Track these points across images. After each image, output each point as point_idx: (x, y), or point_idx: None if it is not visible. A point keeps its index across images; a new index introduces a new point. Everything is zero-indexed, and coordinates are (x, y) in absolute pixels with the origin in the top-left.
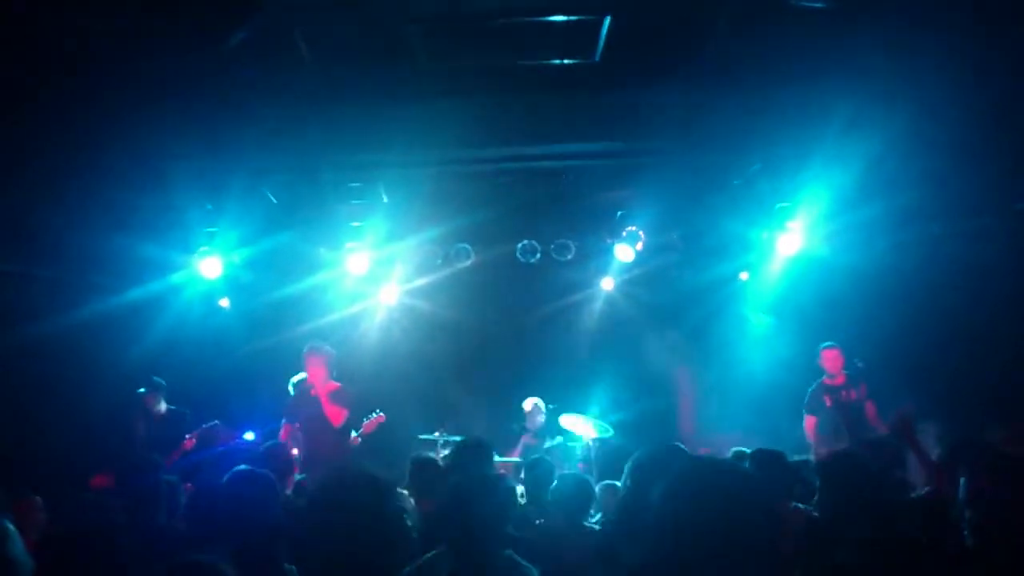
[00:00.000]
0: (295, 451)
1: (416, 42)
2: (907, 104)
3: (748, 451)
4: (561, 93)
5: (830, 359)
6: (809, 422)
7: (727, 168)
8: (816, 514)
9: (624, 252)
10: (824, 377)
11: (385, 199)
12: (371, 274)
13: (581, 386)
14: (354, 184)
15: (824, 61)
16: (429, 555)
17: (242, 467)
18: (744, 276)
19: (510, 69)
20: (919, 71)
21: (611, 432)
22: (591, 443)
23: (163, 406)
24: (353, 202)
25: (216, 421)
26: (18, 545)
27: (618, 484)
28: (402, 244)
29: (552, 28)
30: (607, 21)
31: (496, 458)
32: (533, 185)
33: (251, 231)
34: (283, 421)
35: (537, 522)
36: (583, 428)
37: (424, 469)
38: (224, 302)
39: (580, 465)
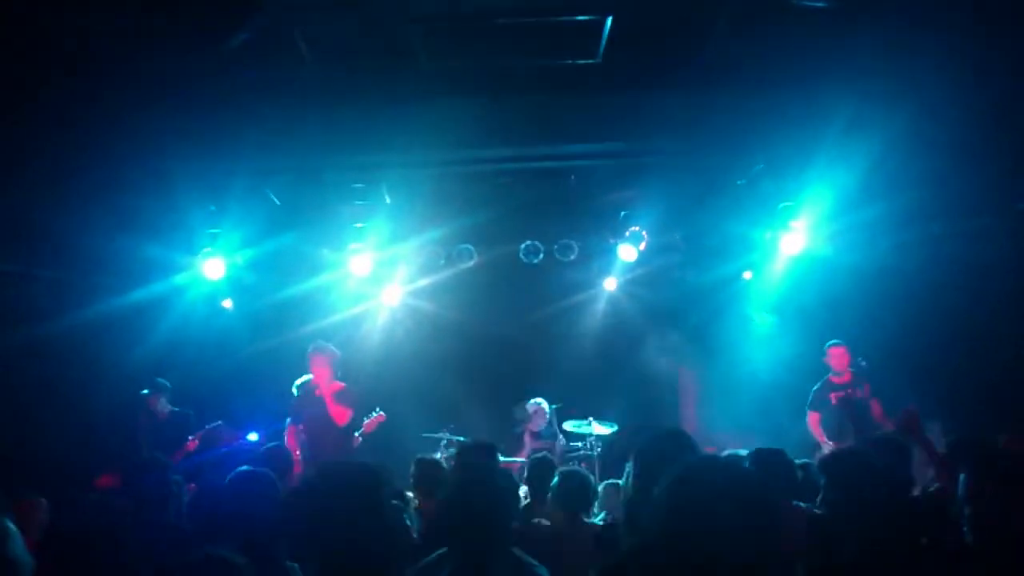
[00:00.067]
0: (298, 452)
1: (417, 42)
2: (908, 104)
3: (744, 452)
4: (564, 93)
5: (836, 356)
6: (813, 418)
7: (730, 168)
8: (819, 512)
9: (627, 252)
10: (830, 375)
11: (388, 200)
12: (374, 275)
13: (584, 386)
14: (357, 185)
15: (825, 61)
16: (433, 556)
17: (244, 467)
18: (747, 276)
19: (512, 69)
20: (920, 71)
21: (615, 427)
22: (594, 442)
23: (167, 407)
24: (356, 203)
25: (219, 422)
26: (18, 544)
27: (620, 483)
28: (405, 245)
29: (554, 28)
30: (609, 21)
31: (500, 458)
32: (536, 185)
33: (254, 232)
34: (288, 422)
35: (534, 520)
36: (586, 430)
37: (428, 469)
38: (227, 303)
39: (583, 464)
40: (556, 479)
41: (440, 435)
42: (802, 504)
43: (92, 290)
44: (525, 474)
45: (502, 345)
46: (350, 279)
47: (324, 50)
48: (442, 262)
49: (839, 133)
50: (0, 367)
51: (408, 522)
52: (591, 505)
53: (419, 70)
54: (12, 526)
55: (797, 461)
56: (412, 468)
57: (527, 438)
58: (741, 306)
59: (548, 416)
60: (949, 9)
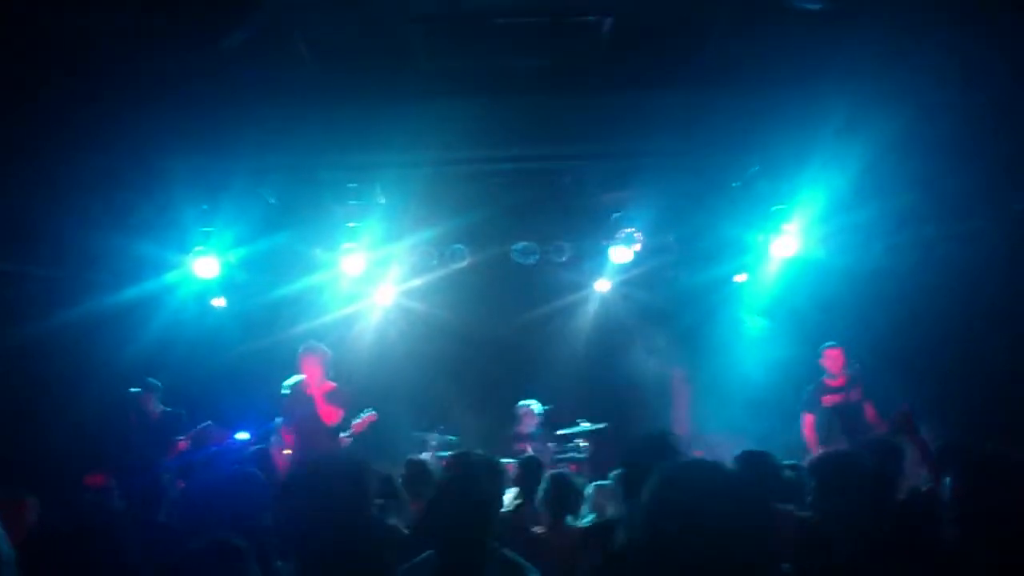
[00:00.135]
0: (287, 451)
1: (415, 42)
2: (902, 106)
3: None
4: (558, 94)
5: (832, 358)
6: (807, 420)
7: (725, 170)
8: (808, 515)
9: (621, 253)
10: (824, 377)
11: (382, 200)
12: (367, 275)
13: (576, 387)
14: (351, 185)
15: (821, 63)
16: (423, 556)
17: (233, 467)
18: (740, 278)
19: (508, 69)
20: (914, 73)
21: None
22: (583, 445)
23: (158, 407)
24: (350, 203)
25: (209, 423)
26: (1, 538)
27: (608, 484)
28: (398, 245)
29: (551, 28)
30: (606, 22)
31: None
32: (530, 186)
33: (247, 231)
34: (280, 422)
35: (529, 528)
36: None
37: (416, 470)
38: (218, 301)
39: (572, 466)
40: (544, 483)
41: (430, 435)
42: (790, 507)
43: (84, 288)
44: (515, 475)
45: (494, 346)
46: (343, 279)
47: (321, 49)
48: (435, 262)
49: (834, 135)
50: None
51: (394, 520)
52: (577, 508)
53: (415, 70)
54: None
55: (786, 462)
56: (402, 470)
57: (517, 440)
58: (734, 308)
59: (538, 418)
60: (944, 11)
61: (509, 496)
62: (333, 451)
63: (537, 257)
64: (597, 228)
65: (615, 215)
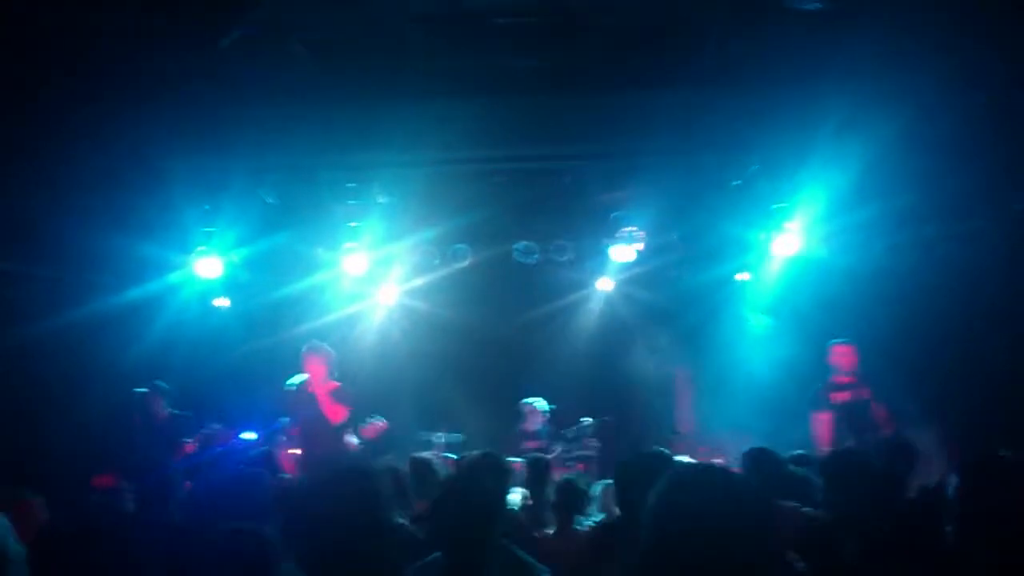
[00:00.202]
0: (293, 451)
1: (415, 42)
2: (903, 106)
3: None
4: (559, 94)
5: (842, 355)
6: (823, 419)
7: (725, 169)
8: (818, 513)
9: (622, 252)
10: (834, 374)
11: (383, 199)
12: (369, 274)
13: (579, 386)
14: (351, 184)
15: (821, 63)
16: (431, 556)
17: (238, 467)
18: (743, 277)
19: (508, 69)
20: (914, 73)
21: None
22: (592, 444)
23: (165, 410)
24: (350, 202)
25: (216, 426)
26: (11, 537)
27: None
28: (400, 244)
29: (551, 28)
30: (606, 22)
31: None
32: (531, 185)
33: (249, 231)
34: (287, 421)
35: (535, 533)
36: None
37: (419, 469)
38: (220, 302)
39: (580, 466)
40: (553, 491)
41: (435, 434)
42: (796, 504)
43: (87, 289)
44: (523, 475)
45: (497, 345)
46: (345, 278)
47: (321, 49)
48: (437, 262)
49: (834, 134)
50: None
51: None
52: (585, 509)
53: (415, 70)
54: (5, 520)
55: (794, 452)
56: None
57: (522, 438)
58: (736, 307)
59: (544, 416)
60: (944, 12)
61: (517, 496)
62: (341, 457)
63: (538, 256)
64: (598, 227)
65: (616, 214)
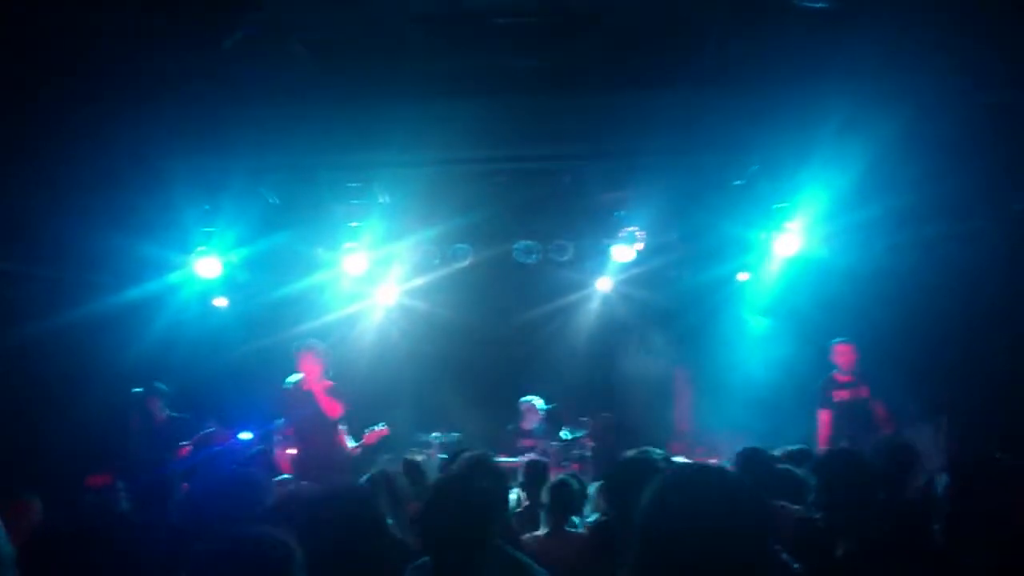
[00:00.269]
0: (289, 450)
1: (415, 42)
2: (903, 106)
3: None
4: (559, 94)
5: (842, 354)
6: (823, 417)
7: (726, 168)
8: (812, 512)
9: (622, 252)
10: (834, 372)
11: (383, 199)
12: (369, 274)
13: (579, 386)
14: (352, 184)
15: (822, 62)
16: (421, 560)
17: (231, 469)
18: (743, 277)
19: (508, 69)
20: (915, 73)
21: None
22: (590, 442)
23: (164, 412)
24: (351, 202)
25: (212, 428)
26: (1, 535)
27: None
28: (400, 244)
29: (551, 28)
30: (605, 22)
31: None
32: (531, 185)
33: (248, 231)
34: (282, 422)
35: (525, 535)
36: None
37: (410, 472)
38: (219, 301)
39: (575, 465)
40: (547, 493)
41: (432, 435)
42: (788, 504)
43: (86, 288)
44: (520, 478)
45: (496, 344)
46: (345, 278)
47: (321, 49)
48: (437, 261)
49: (834, 134)
50: None
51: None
52: (580, 509)
53: (415, 70)
54: None
55: (793, 447)
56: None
57: (519, 436)
58: (736, 307)
59: (541, 414)
60: (944, 12)
61: (512, 496)
62: (340, 459)
63: (538, 256)
64: (598, 227)
65: (616, 214)
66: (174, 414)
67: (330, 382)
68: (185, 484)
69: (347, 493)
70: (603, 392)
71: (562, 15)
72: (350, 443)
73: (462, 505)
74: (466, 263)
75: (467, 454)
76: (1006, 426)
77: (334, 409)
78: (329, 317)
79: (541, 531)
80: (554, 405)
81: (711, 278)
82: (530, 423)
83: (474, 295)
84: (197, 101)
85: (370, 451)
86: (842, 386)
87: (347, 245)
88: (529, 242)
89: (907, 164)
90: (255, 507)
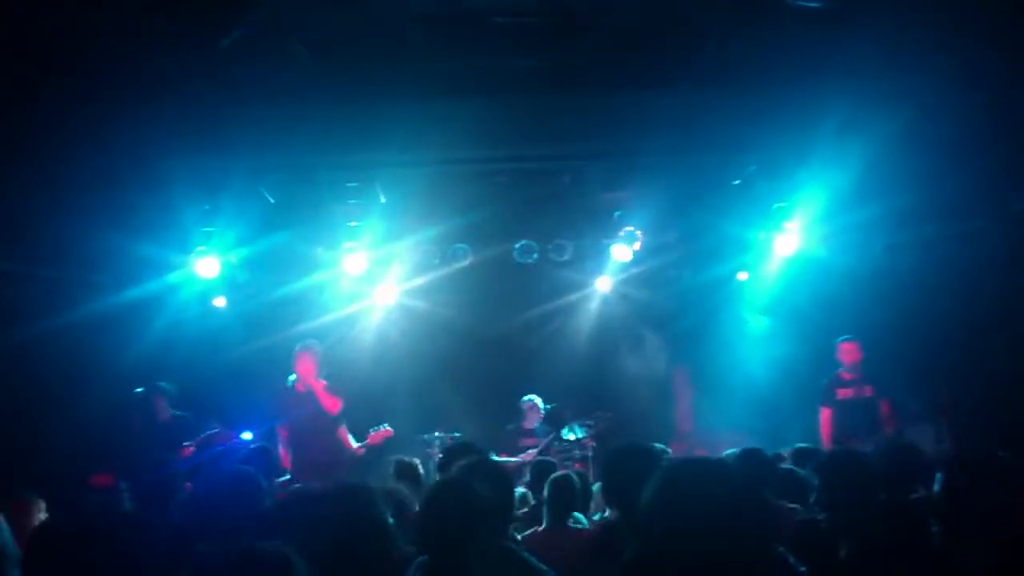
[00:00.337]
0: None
1: (415, 42)
2: (902, 105)
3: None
4: (559, 94)
5: (848, 352)
6: (824, 415)
7: (725, 168)
8: (814, 512)
9: (621, 252)
10: (840, 370)
11: (382, 199)
12: (368, 274)
13: (578, 386)
14: (351, 184)
15: (821, 62)
16: (422, 558)
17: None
18: (742, 276)
19: (508, 69)
20: (914, 72)
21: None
22: (592, 441)
23: (168, 411)
24: (350, 202)
25: (216, 428)
26: (5, 534)
27: None
28: (399, 244)
29: (551, 28)
30: (605, 22)
31: (494, 458)
32: (531, 185)
33: (248, 231)
34: (278, 423)
35: (526, 532)
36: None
37: (403, 473)
38: (219, 301)
39: (577, 464)
40: (547, 488)
41: (433, 435)
42: (787, 503)
43: (85, 288)
44: (527, 477)
45: (496, 344)
46: (344, 278)
47: (321, 49)
48: (436, 261)
49: (833, 134)
50: None
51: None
52: (583, 506)
53: (415, 70)
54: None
55: (797, 445)
56: (383, 471)
57: (520, 436)
58: (736, 307)
59: (542, 413)
60: (943, 12)
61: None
62: (339, 455)
63: (537, 256)
64: (598, 227)
65: (616, 214)
66: (178, 412)
67: (324, 382)
68: (188, 484)
69: (349, 492)
70: (603, 392)
71: (562, 15)
72: (353, 443)
73: (460, 506)
74: (466, 263)
75: (464, 458)
76: (1006, 426)
77: (334, 405)
78: (329, 317)
79: (541, 527)
80: (554, 405)
81: (711, 278)
82: (531, 422)
83: (474, 295)
84: (197, 101)
85: (375, 452)
86: (846, 384)
87: (347, 245)
88: (529, 242)
89: (907, 164)
90: (257, 507)
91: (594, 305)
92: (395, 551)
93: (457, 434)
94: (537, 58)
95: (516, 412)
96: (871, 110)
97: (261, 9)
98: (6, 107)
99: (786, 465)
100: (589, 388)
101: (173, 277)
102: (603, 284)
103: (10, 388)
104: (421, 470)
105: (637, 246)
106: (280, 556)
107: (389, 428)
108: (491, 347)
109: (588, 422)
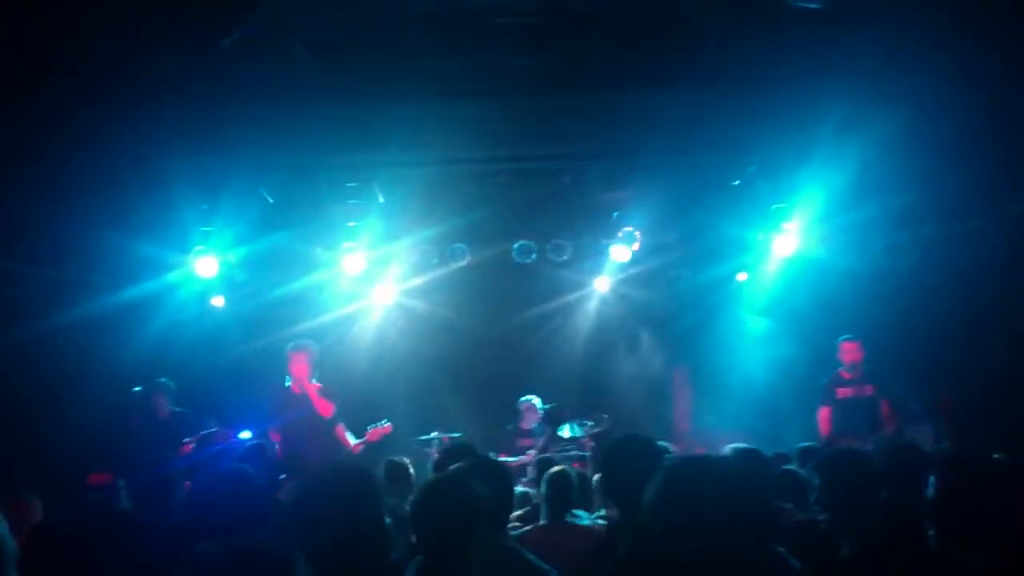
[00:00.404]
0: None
1: (415, 42)
2: (902, 106)
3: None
4: (559, 94)
5: (849, 351)
6: (823, 414)
7: (724, 169)
8: (813, 512)
9: (620, 252)
10: (840, 369)
11: (381, 199)
12: (367, 274)
13: (577, 386)
14: (350, 184)
15: (820, 63)
16: (417, 558)
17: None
18: (742, 277)
19: (508, 69)
20: (913, 73)
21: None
22: (590, 441)
23: (168, 408)
24: (349, 202)
25: (215, 428)
26: (3, 533)
27: None
28: (398, 244)
29: (551, 28)
30: (605, 22)
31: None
32: (529, 185)
33: (247, 230)
34: (270, 426)
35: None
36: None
37: (395, 474)
38: (216, 301)
39: (576, 464)
40: (545, 483)
41: (431, 435)
42: (786, 504)
43: (85, 288)
44: (530, 476)
45: (495, 344)
46: (343, 278)
47: (320, 49)
48: (435, 261)
49: (832, 134)
50: None
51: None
52: (584, 503)
53: (415, 69)
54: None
55: (802, 444)
56: (382, 469)
57: (519, 436)
58: (735, 307)
59: (540, 414)
60: (943, 12)
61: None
62: (337, 455)
63: (536, 256)
64: (597, 227)
65: (615, 214)
66: (177, 409)
67: (319, 384)
68: (187, 483)
69: (349, 487)
70: (601, 392)
71: (562, 15)
72: (352, 441)
73: (459, 504)
74: (464, 263)
75: (461, 460)
76: (1006, 426)
77: (327, 409)
78: (327, 317)
79: (539, 523)
80: (552, 405)
81: (710, 278)
82: (529, 422)
83: (473, 295)
84: (197, 101)
85: (373, 449)
86: (846, 383)
87: (345, 245)
88: (527, 242)
89: (906, 164)
90: (256, 507)
91: (593, 305)
92: (394, 551)
93: (456, 434)
94: (537, 58)
95: (514, 412)
96: (871, 110)
97: (261, 9)
98: (6, 107)
99: (790, 465)
100: (588, 388)
101: (172, 277)
102: (602, 284)
103: (9, 387)
104: (412, 471)
105: (636, 246)
106: (282, 554)
107: (388, 424)
108: (490, 347)
109: (587, 422)
